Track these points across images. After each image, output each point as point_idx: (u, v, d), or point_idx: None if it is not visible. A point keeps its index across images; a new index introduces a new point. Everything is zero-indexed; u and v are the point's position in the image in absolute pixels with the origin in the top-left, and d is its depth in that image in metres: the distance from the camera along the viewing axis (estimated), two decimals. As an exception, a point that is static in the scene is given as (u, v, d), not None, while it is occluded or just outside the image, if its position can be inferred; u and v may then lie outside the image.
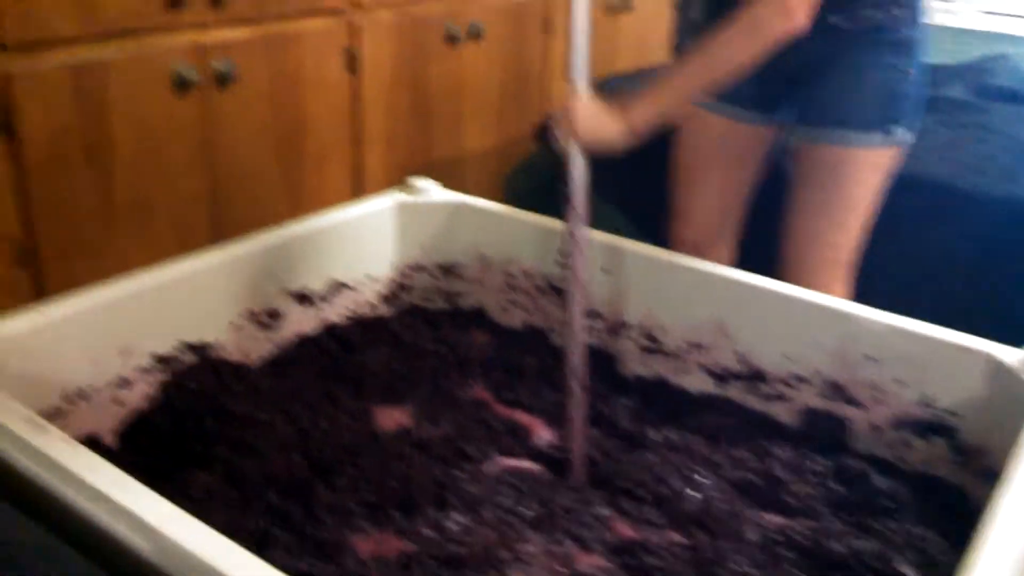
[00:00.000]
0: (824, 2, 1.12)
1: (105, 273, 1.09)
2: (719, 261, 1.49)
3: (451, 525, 0.93)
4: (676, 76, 1.16)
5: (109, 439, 1.07)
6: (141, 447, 1.07)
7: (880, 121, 1.31)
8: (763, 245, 1.45)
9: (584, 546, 0.93)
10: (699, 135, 1.48)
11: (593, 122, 1.10)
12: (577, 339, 1.11)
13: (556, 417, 1.14)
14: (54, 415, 1.00)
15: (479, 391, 1.22)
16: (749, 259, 1.44)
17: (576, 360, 1.10)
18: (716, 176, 1.50)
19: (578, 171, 1.10)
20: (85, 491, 0.73)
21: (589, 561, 0.91)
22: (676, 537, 0.96)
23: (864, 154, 1.33)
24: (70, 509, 0.74)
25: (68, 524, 0.74)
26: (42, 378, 0.99)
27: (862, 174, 1.33)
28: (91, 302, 1.02)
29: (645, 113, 1.14)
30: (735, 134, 1.46)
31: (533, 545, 0.92)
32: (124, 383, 1.07)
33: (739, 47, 1.11)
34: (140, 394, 1.10)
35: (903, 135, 1.33)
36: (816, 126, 1.35)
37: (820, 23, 1.14)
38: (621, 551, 0.93)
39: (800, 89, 1.38)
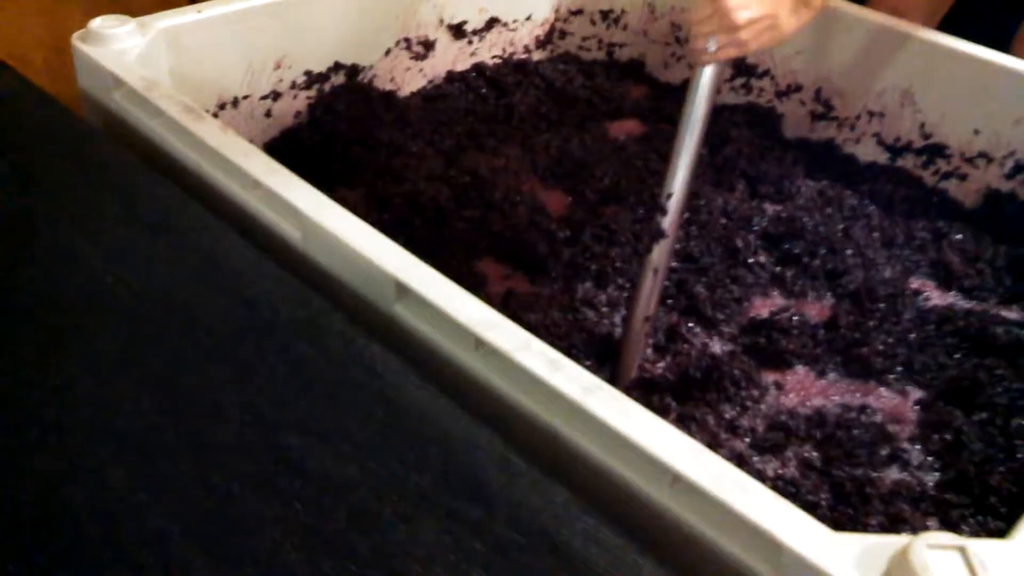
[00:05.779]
0: None
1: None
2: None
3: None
4: None
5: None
6: (287, 162, 1.07)
7: None
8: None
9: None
10: None
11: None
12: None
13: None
14: (210, 117, 1.01)
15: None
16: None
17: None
18: None
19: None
20: (239, 176, 0.73)
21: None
22: (823, 311, 0.91)
23: None
24: (224, 195, 0.75)
25: (222, 209, 0.75)
26: (199, 81, 0.99)
27: None
28: (249, 5, 1.00)
29: None
30: None
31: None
32: (276, 96, 1.07)
33: None
34: (291, 110, 1.09)
35: None
36: None
37: None
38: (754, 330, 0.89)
39: None
